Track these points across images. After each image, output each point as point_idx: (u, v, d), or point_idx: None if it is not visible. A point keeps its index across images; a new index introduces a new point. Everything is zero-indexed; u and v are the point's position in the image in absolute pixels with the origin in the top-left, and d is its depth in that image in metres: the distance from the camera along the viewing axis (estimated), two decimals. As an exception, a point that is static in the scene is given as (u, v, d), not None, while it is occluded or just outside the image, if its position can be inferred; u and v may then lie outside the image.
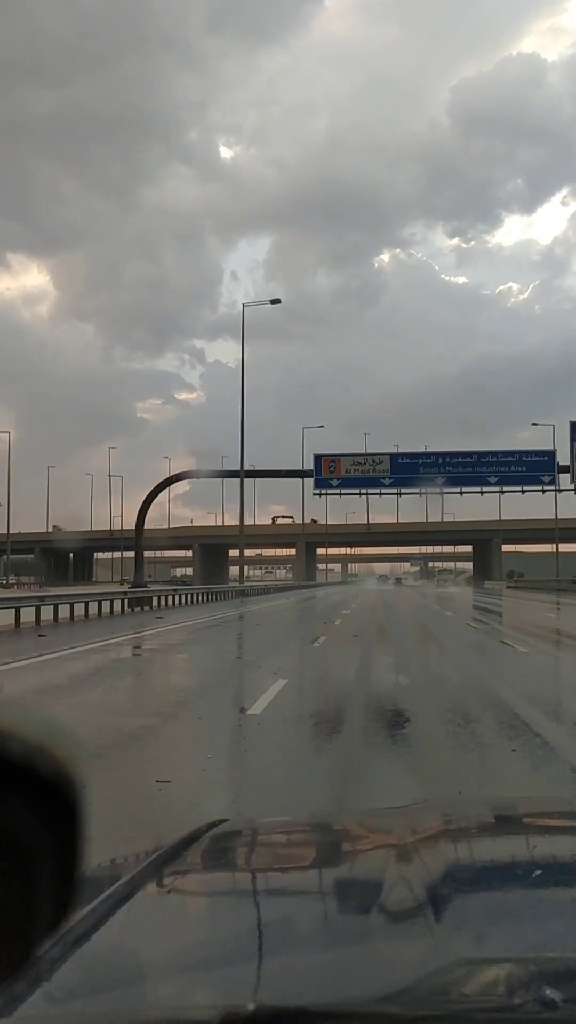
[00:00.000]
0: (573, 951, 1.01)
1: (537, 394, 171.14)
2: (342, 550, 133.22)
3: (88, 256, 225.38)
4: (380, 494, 48.69)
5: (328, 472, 46.59)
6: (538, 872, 1.37)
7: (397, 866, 1.36)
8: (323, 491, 47.85)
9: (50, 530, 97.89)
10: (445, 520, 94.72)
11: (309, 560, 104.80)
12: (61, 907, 0.62)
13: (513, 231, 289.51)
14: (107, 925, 1.09)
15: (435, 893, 1.21)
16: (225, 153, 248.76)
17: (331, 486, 47.27)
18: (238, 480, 45.26)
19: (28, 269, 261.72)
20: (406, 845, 1.51)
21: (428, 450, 48.51)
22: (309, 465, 47.12)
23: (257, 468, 48.48)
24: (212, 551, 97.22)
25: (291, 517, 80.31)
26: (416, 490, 48.83)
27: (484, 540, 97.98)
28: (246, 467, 45.39)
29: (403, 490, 48.30)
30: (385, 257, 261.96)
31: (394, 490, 48.16)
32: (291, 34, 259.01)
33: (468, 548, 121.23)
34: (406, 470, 46.91)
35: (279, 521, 79.48)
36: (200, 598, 38.40)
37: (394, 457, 47.58)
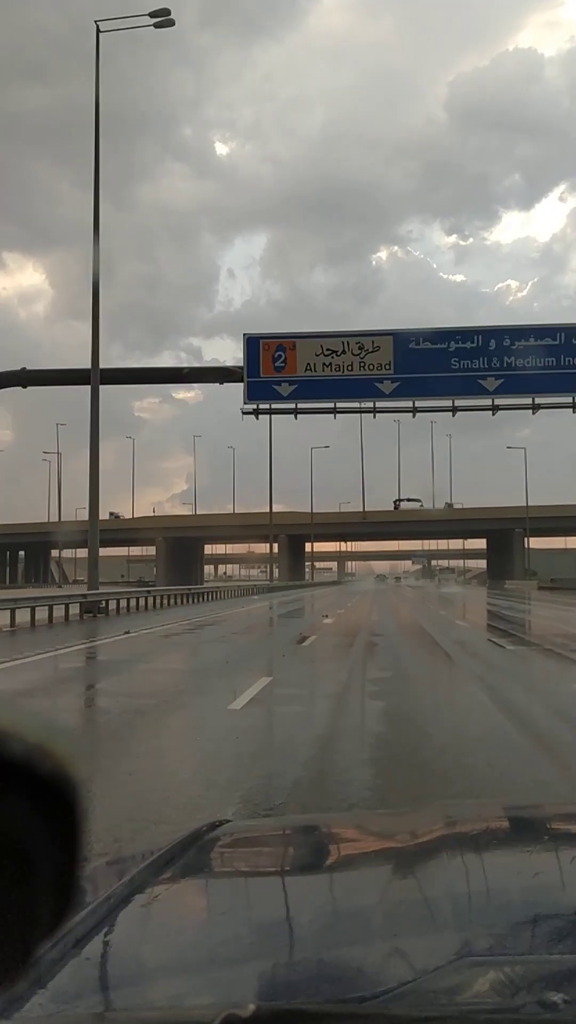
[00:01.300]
0: (573, 952, 1.02)
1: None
2: (334, 546, 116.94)
3: (84, 254, 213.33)
4: (375, 411, 23.89)
5: (273, 370, 22.44)
6: (538, 873, 1.38)
7: (398, 866, 1.40)
8: (262, 403, 23.36)
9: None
10: (454, 507, 77.93)
11: (296, 557, 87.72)
12: (61, 908, 0.62)
13: (511, 228, 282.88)
14: (107, 926, 1.10)
15: (435, 893, 1.24)
16: (220, 149, 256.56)
17: (278, 395, 22.69)
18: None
19: (23, 268, 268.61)
20: (407, 846, 1.53)
21: (464, 326, 23.60)
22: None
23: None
24: (180, 546, 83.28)
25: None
26: (444, 402, 24.02)
27: (502, 532, 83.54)
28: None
29: (418, 402, 23.76)
30: (383, 254, 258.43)
31: (400, 402, 23.71)
32: (286, 28, 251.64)
33: (480, 543, 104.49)
34: (424, 364, 22.24)
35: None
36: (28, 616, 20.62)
37: (401, 339, 22.87)
